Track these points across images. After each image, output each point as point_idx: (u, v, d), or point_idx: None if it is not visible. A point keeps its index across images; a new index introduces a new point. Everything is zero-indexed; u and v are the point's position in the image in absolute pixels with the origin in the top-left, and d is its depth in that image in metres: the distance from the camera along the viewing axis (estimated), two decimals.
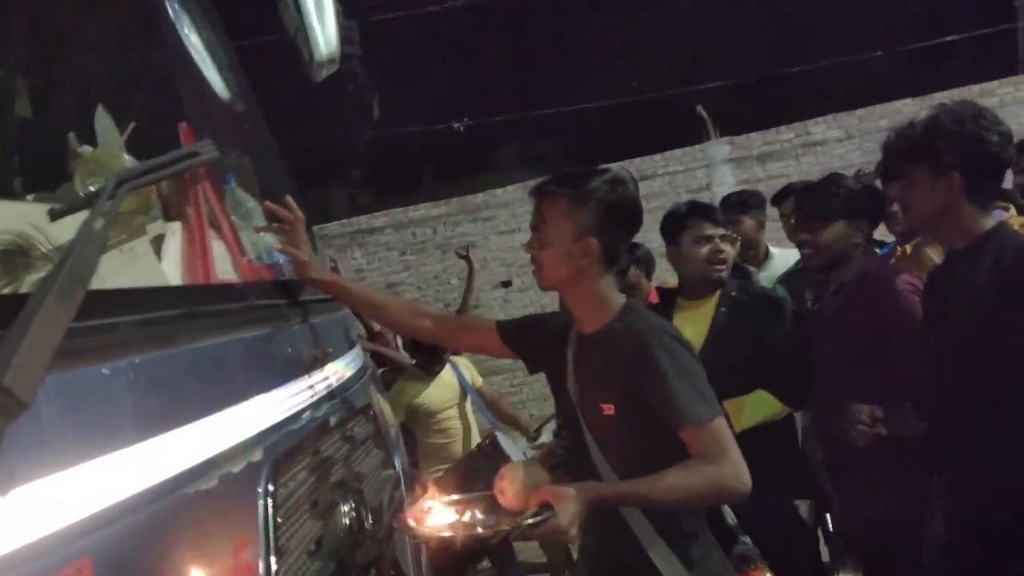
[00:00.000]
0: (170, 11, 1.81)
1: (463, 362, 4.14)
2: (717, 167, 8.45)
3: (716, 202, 3.59)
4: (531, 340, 1.80)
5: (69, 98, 1.91)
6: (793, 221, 2.47)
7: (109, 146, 1.45)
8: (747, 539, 2.02)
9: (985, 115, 1.80)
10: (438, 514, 1.57)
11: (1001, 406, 1.73)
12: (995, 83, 7.71)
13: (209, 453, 0.92)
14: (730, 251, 2.56)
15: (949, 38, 11.73)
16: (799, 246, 2.46)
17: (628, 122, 13.32)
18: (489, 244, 8.87)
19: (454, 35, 15.77)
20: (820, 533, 2.62)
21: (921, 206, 1.87)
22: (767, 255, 3.57)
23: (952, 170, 1.78)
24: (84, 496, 0.71)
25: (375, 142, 13.53)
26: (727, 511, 2.09)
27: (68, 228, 1.00)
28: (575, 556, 3.13)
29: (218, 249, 1.45)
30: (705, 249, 2.49)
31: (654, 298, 3.06)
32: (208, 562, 0.87)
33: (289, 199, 1.64)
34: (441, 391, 3.94)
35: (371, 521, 1.42)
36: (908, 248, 2.63)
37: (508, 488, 1.54)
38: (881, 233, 2.81)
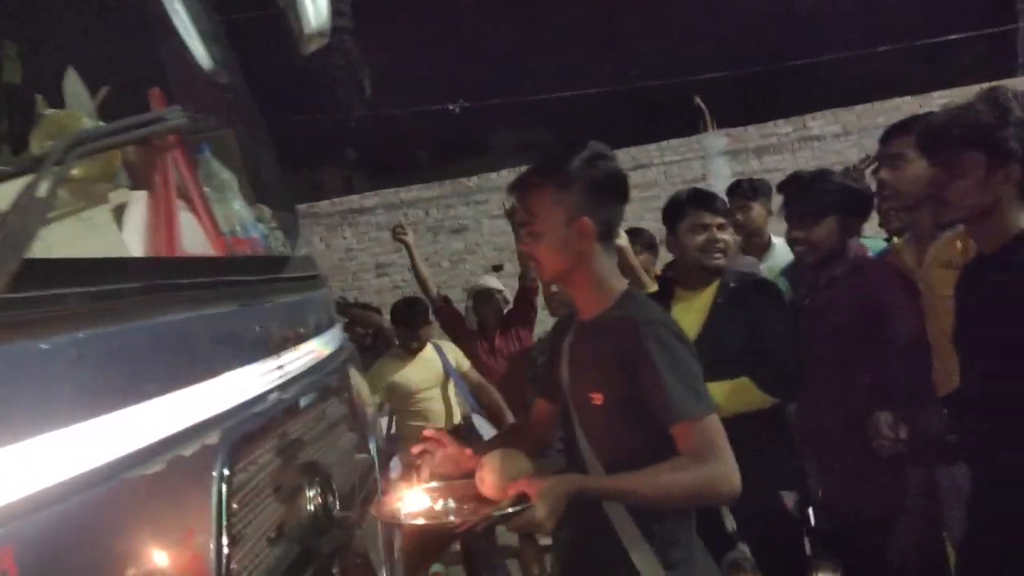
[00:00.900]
0: None
1: (448, 346, 4.08)
2: (713, 159, 8.41)
3: None
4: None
5: (45, 63, 1.84)
6: (784, 218, 2.44)
7: (76, 110, 1.38)
8: (745, 548, 1.99)
9: None
10: (410, 501, 1.54)
11: None
12: (995, 83, 7.68)
13: (157, 436, 0.87)
14: (729, 240, 2.54)
15: (950, 37, 11.71)
16: (792, 243, 2.44)
17: (624, 110, 13.27)
18: (482, 228, 8.82)
19: (453, 19, 15.65)
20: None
21: (968, 198, 1.67)
22: (769, 245, 3.52)
23: (1014, 161, 1.62)
24: (6, 481, 0.66)
25: (369, 121, 13.45)
26: (728, 516, 2.06)
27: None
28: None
29: (187, 221, 1.38)
30: (701, 238, 2.47)
31: None
32: (151, 551, 0.82)
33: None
34: (420, 371, 3.90)
35: (339, 506, 1.38)
36: (902, 243, 2.59)
37: (487, 477, 1.51)
38: (871, 228, 2.77)
